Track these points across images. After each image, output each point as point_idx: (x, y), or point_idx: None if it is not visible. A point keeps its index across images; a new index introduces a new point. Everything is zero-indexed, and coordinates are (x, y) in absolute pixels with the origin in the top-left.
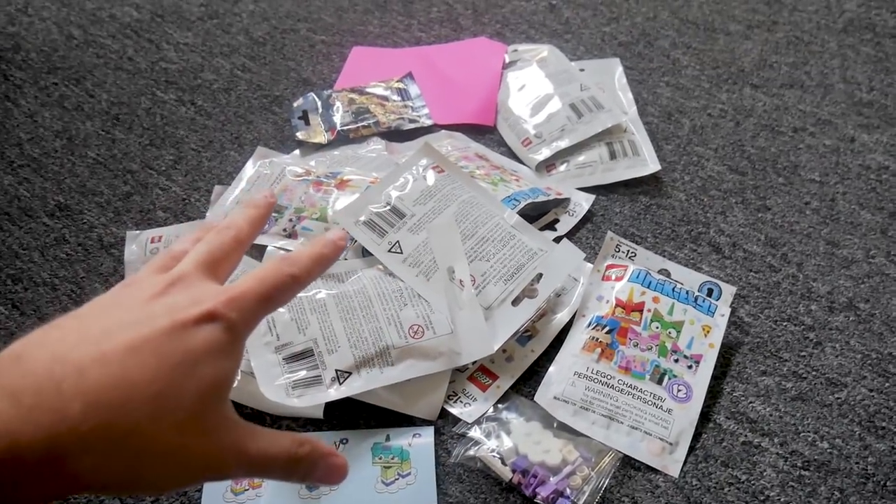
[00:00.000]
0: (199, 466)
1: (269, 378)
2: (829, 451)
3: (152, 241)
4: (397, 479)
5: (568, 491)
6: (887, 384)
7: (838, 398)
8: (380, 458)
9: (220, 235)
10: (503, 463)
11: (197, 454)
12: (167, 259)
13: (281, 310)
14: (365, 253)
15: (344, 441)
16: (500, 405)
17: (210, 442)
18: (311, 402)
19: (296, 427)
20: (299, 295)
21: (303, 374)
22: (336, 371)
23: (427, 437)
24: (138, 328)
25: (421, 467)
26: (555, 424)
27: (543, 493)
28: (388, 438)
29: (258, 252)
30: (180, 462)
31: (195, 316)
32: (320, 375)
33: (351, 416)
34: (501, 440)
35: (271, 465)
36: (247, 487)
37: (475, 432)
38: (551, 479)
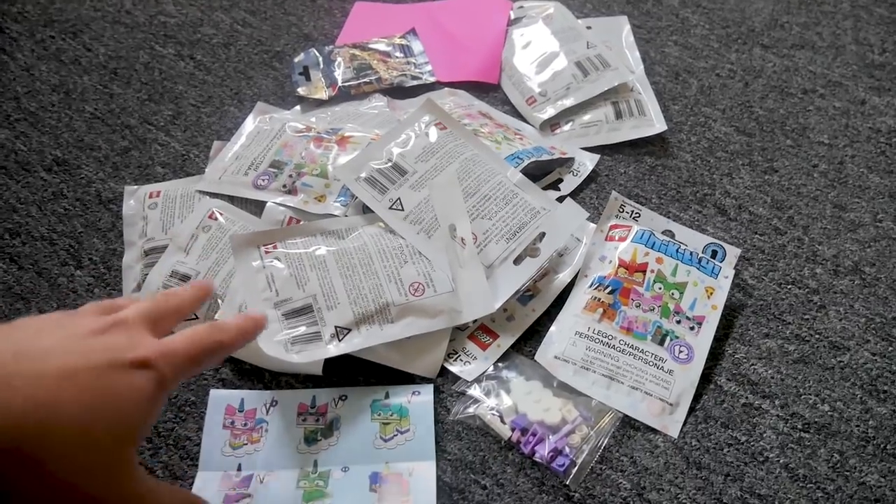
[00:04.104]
0: None
1: (268, 334)
2: (829, 413)
3: (150, 196)
4: (396, 435)
5: (567, 449)
6: (890, 348)
7: (841, 361)
8: (378, 415)
9: (165, 298)
10: (502, 421)
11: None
12: (110, 305)
13: (280, 265)
14: (366, 210)
15: (343, 398)
16: (500, 364)
17: (112, 494)
18: (311, 357)
19: (295, 383)
20: (299, 251)
21: (302, 329)
22: (335, 327)
23: (426, 394)
24: (76, 358)
25: (420, 424)
26: (555, 384)
27: (542, 451)
28: (387, 396)
29: (258, 208)
30: None
31: (130, 360)
32: (320, 332)
33: (350, 373)
34: (501, 399)
35: None
36: (245, 442)
37: (475, 390)
38: (550, 437)
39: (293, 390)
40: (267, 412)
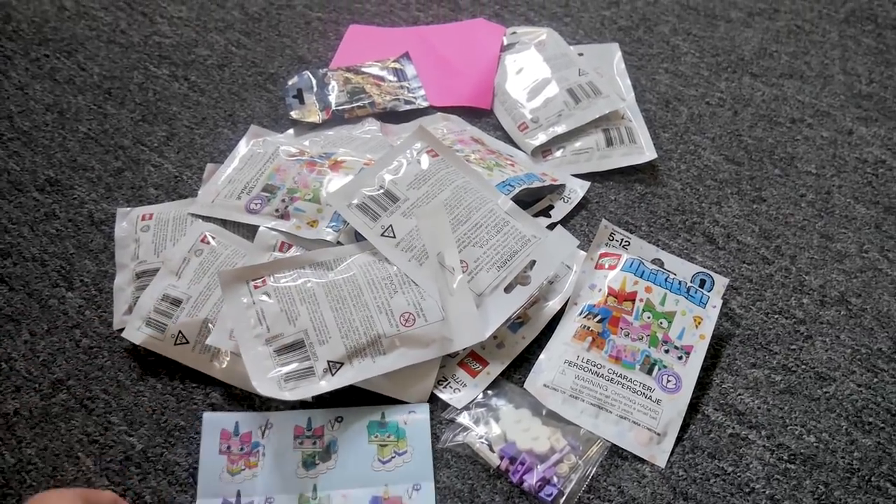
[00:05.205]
0: None
1: (260, 371)
2: (815, 444)
3: (143, 219)
4: (394, 457)
5: (555, 479)
6: (875, 380)
7: (826, 392)
8: (376, 437)
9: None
10: (491, 449)
11: None
12: None
13: (269, 300)
14: (358, 237)
15: (339, 419)
16: (489, 392)
17: None
18: (304, 394)
19: (283, 408)
20: (288, 284)
21: (294, 365)
22: (328, 362)
23: (422, 413)
24: None
25: (417, 445)
26: (543, 412)
27: (530, 480)
28: (383, 416)
29: (250, 232)
30: None
31: None
32: (312, 367)
33: (343, 393)
34: (490, 427)
35: None
36: (243, 468)
37: (464, 418)
38: (538, 466)
39: (288, 412)
40: (262, 435)
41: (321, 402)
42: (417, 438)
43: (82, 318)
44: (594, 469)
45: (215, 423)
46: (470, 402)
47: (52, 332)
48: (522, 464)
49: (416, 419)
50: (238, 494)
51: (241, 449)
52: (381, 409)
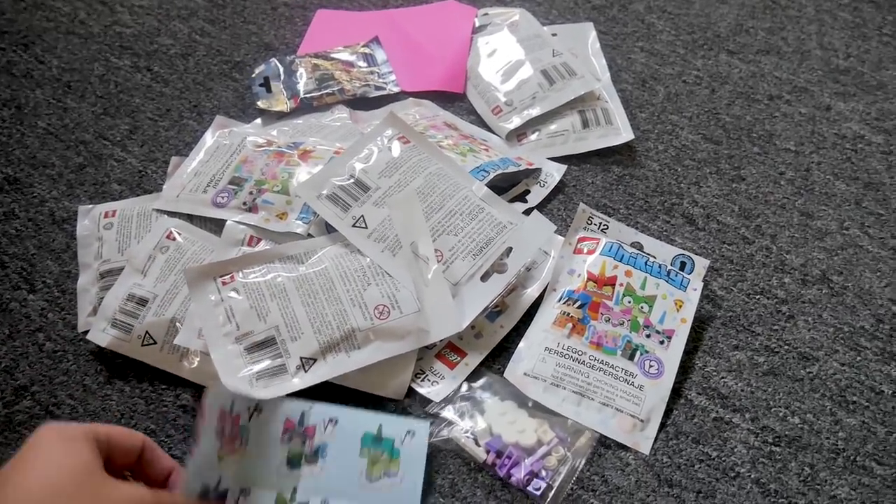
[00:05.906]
0: None
1: (230, 370)
2: (800, 426)
3: (106, 216)
4: (382, 477)
5: (543, 472)
6: (859, 358)
7: (810, 373)
8: (368, 451)
9: None
10: (477, 444)
11: None
12: None
13: (238, 297)
14: (329, 228)
15: (333, 421)
16: (473, 384)
17: None
18: (276, 393)
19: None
20: (257, 280)
21: (266, 363)
22: (301, 359)
23: (421, 435)
24: None
25: (409, 471)
26: (530, 404)
27: (518, 474)
28: (380, 430)
29: (217, 227)
30: None
31: None
32: (284, 364)
33: (323, 389)
34: (475, 420)
35: None
36: (228, 453)
37: (448, 412)
38: (526, 460)
39: (281, 399)
40: (249, 419)
41: (312, 395)
42: (411, 464)
43: (45, 321)
44: (583, 461)
45: (219, 398)
46: (455, 396)
47: (14, 336)
48: (509, 458)
49: (413, 443)
50: (219, 480)
51: (231, 431)
52: (378, 420)
